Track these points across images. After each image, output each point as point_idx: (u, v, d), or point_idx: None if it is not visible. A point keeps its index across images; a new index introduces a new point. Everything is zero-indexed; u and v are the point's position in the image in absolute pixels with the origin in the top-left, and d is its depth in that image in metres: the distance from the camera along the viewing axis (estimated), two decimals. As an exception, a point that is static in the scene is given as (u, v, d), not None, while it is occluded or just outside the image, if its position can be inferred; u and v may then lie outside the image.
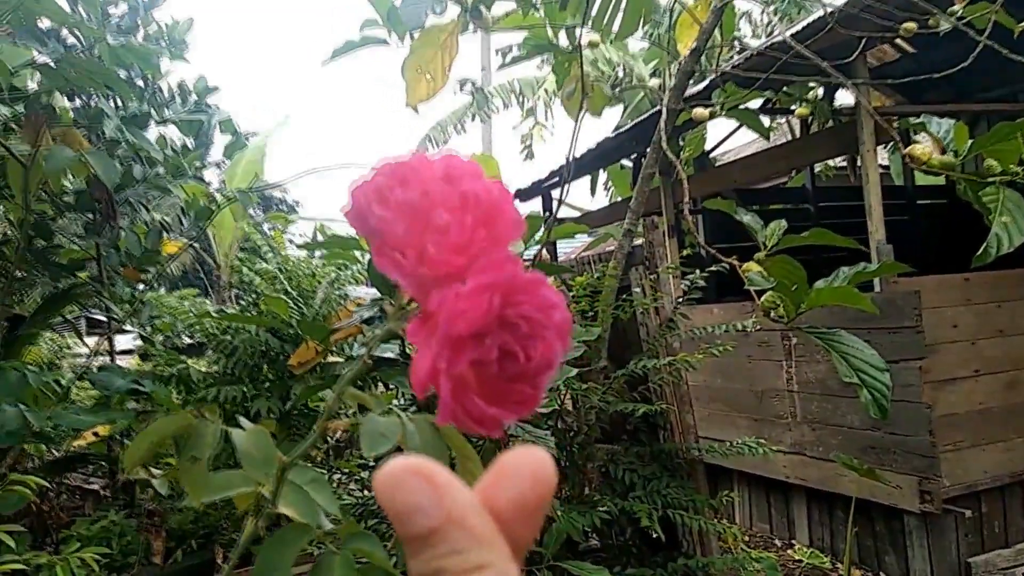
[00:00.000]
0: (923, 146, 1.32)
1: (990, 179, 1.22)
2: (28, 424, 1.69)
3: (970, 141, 1.37)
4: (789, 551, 3.90)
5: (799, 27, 3.02)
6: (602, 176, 8.30)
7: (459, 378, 0.30)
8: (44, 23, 2.71)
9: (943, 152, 1.46)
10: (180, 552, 3.00)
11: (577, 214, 7.36)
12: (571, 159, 2.10)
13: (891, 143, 6.08)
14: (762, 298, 1.31)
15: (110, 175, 1.93)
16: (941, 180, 6.23)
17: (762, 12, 8.31)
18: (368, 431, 0.51)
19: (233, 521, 3.18)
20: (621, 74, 6.47)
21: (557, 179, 6.19)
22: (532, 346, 0.31)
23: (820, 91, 4.90)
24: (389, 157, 0.34)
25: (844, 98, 5.41)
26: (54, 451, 3.54)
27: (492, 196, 0.32)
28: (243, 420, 0.53)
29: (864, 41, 2.33)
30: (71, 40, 3.00)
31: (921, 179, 6.14)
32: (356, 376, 0.48)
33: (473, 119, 9.88)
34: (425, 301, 0.31)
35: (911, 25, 2.02)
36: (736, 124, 6.28)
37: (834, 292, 1.19)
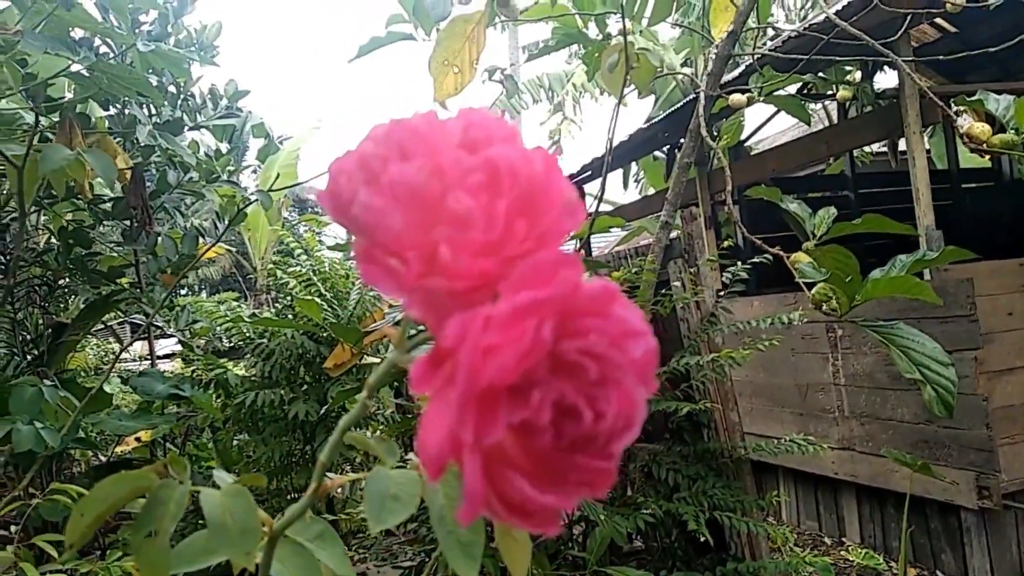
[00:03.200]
0: (983, 124, 1.24)
1: (1059, 157, 1.14)
2: (44, 442, 1.67)
3: (1033, 118, 1.28)
4: (840, 550, 3.79)
5: (840, 6, 2.92)
6: (633, 168, 8.20)
7: (493, 451, 0.20)
8: (76, 32, 2.73)
9: (997, 131, 1.37)
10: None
11: (610, 208, 7.28)
12: (611, 143, 2.03)
13: (930, 127, 5.89)
14: (813, 290, 1.25)
15: (109, 174, 1.91)
16: (987, 163, 6.02)
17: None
18: (375, 494, 0.37)
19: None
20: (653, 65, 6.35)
21: (590, 173, 6.11)
22: (603, 398, 0.21)
23: (858, 75, 4.76)
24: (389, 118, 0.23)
25: (883, 81, 5.25)
26: (100, 456, 3.59)
27: (534, 170, 0.22)
28: (219, 475, 0.40)
29: (908, 18, 2.23)
30: (103, 49, 3.02)
31: (965, 162, 5.95)
32: (355, 420, 0.36)
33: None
34: (438, 330, 0.21)
35: (960, -1, 1.93)
36: (772, 112, 6.15)
37: (892, 283, 1.12)
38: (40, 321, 3.22)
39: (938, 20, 4.94)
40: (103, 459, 3.45)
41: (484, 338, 0.19)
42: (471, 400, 0.19)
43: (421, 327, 0.29)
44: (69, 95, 2.73)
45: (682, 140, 2.28)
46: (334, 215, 0.23)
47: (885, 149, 6.39)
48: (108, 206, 2.99)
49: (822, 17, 2.53)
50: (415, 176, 0.21)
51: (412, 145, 0.22)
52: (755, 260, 2.26)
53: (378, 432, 2.99)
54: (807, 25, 3.18)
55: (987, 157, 5.77)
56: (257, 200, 2.51)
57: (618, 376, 0.21)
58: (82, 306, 3.23)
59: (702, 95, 2.13)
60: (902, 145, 3.94)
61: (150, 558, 0.37)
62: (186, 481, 0.38)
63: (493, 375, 0.19)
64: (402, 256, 0.21)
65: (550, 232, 0.22)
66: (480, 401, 0.19)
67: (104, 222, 3.10)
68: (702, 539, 2.00)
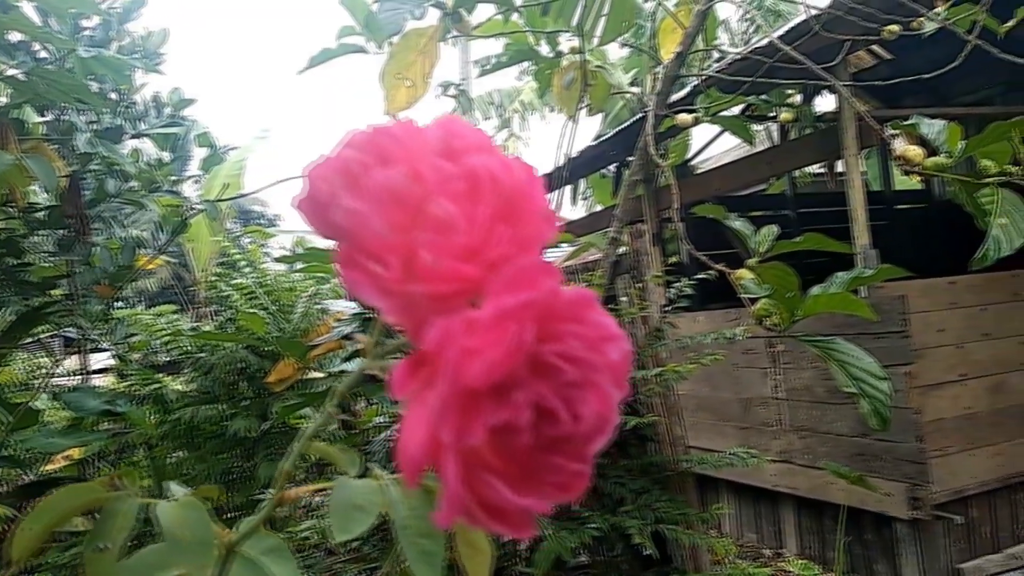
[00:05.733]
0: (917, 148, 1.29)
1: (987, 180, 1.19)
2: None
3: (963, 142, 1.34)
4: (779, 561, 3.86)
5: (782, 31, 3.02)
6: (581, 185, 8.29)
7: (471, 454, 0.20)
8: (13, 36, 2.64)
9: (930, 154, 1.43)
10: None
11: (558, 223, 7.33)
12: (568, 160, 2.05)
13: (867, 149, 6.13)
14: (755, 306, 1.27)
15: (51, 181, 1.85)
16: (919, 184, 6.28)
17: (739, 20, 8.37)
18: (339, 504, 0.37)
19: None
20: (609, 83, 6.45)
21: (539, 189, 6.15)
22: (581, 400, 0.21)
23: (799, 98, 4.92)
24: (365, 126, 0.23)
25: (823, 105, 5.44)
26: (26, 475, 3.43)
27: (514, 178, 0.22)
28: (174, 487, 0.40)
29: (847, 45, 2.31)
30: (43, 53, 2.93)
31: (899, 184, 6.19)
32: (320, 428, 0.36)
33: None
34: (418, 333, 0.21)
35: (894, 28, 2.01)
36: (716, 132, 6.30)
37: (831, 299, 1.15)
38: (-35, 333, 3.07)
39: (875, 48, 5.15)
40: (30, 478, 3.30)
41: (467, 340, 0.20)
42: (453, 401, 0.20)
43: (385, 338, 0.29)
44: (3, 100, 2.64)
45: (630, 158, 2.32)
46: (312, 220, 0.23)
47: (824, 170, 6.61)
48: (42, 215, 2.89)
49: (765, 41, 2.61)
50: (397, 181, 0.22)
51: (393, 151, 0.22)
52: (700, 276, 2.31)
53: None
54: (751, 49, 3.28)
55: (919, 179, 6.02)
56: (203, 210, 2.44)
57: (594, 379, 0.22)
58: (11, 318, 3.10)
59: (650, 114, 2.18)
60: (840, 167, 4.08)
61: (101, 572, 0.36)
62: (135, 495, 0.37)
63: (476, 376, 0.20)
64: (383, 260, 0.22)
65: (530, 239, 0.23)
66: (461, 402, 0.20)
67: (37, 231, 2.99)
68: (646, 552, 2.02)
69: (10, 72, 2.26)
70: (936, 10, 1.93)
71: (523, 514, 0.21)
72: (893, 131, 1.46)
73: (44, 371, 5.28)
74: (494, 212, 0.22)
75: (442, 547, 0.36)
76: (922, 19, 1.89)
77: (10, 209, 2.72)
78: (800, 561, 3.77)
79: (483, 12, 2.30)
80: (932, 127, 1.28)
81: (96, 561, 0.35)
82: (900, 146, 1.35)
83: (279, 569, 0.38)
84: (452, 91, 2.18)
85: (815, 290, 1.20)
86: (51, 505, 0.38)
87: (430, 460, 0.20)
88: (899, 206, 6.15)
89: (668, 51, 2.26)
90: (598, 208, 7.68)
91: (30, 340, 3.45)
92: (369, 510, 0.38)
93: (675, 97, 3.66)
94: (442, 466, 0.20)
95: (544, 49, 2.52)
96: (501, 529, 0.22)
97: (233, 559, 0.37)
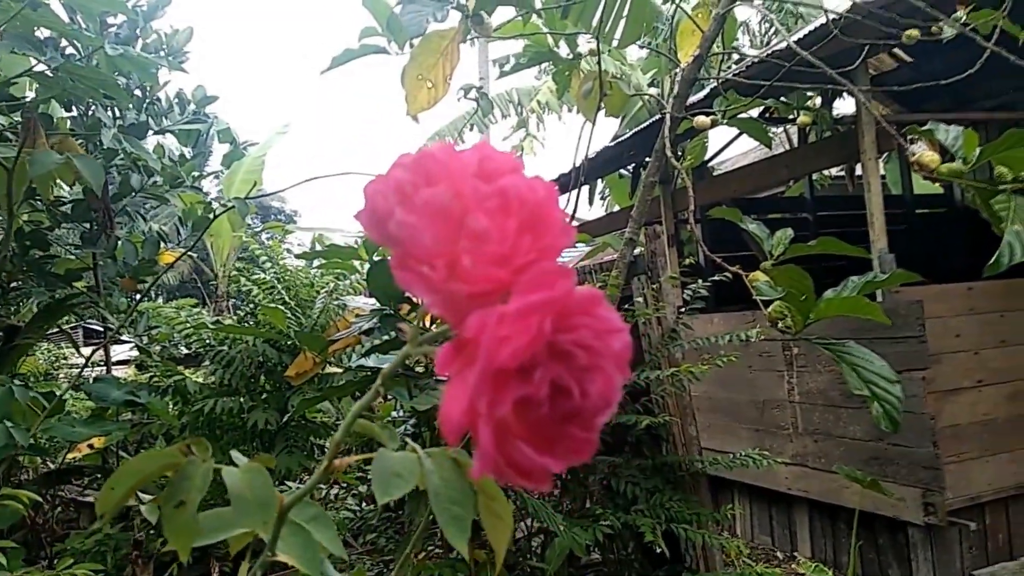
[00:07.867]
0: (932, 153, 1.30)
1: (1002, 187, 1.20)
2: (13, 441, 1.65)
3: (979, 148, 1.35)
4: (791, 564, 3.86)
5: (801, 35, 3.01)
6: (598, 185, 8.29)
7: (501, 422, 0.25)
8: (42, 32, 2.69)
9: (946, 160, 1.44)
10: (176, 567, 2.95)
11: (575, 224, 7.34)
12: (585, 162, 2.07)
13: (885, 153, 6.10)
14: (769, 308, 1.29)
15: (97, 180, 1.89)
16: (939, 189, 6.23)
17: (760, 22, 8.34)
18: (381, 471, 0.43)
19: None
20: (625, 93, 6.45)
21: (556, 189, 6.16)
22: (589, 380, 0.26)
23: (818, 100, 4.90)
24: (411, 150, 0.28)
25: (843, 107, 5.41)
26: (48, 463, 3.50)
27: (537, 196, 0.27)
28: (236, 455, 0.45)
29: (866, 49, 2.32)
30: (70, 50, 2.98)
31: (919, 188, 6.15)
32: (367, 406, 0.41)
33: (471, 129, 9.86)
34: (459, 324, 0.26)
35: (914, 32, 2.01)
36: (734, 134, 6.28)
37: (844, 302, 1.17)
38: (-9, 323, 3.13)
39: (897, 50, 5.12)
40: (52, 466, 3.36)
41: (499, 330, 0.24)
42: (487, 378, 0.24)
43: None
44: (30, 95, 2.69)
45: (647, 159, 2.33)
46: (370, 230, 0.28)
47: (843, 173, 6.57)
48: (67, 208, 2.94)
49: (784, 45, 2.62)
50: (441, 198, 0.26)
51: (437, 172, 0.27)
52: (715, 278, 2.32)
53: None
54: (770, 52, 3.28)
55: (938, 184, 5.97)
56: (232, 208, 2.49)
57: (601, 363, 0.26)
58: (36, 309, 3.16)
59: (668, 116, 2.19)
60: (859, 170, 4.07)
61: (178, 526, 0.41)
62: (209, 460, 0.41)
63: (506, 358, 0.24)
64: (431, 264, 0.26)
65: (550, 247, 0.27)
66: (494, 380, 0.25)
67: (62, 224, 3.04)
68: (658, 551, 2.03)
69: (39, 68, 2.31)
70: (957, 14, 1.93)
71: (542, 471, 0.26)
72: (911, 136, 1.47)
73: (67, 361, 5.36)
74: (520, 225, 0.26)
75: (471, 512, 0.40)
76: (942, 24, 1.89)
77: (35, 202, 2.78)
78: (812, 564, 3.77)
79: (503, 13, 2.32)
80: (948, 133, 1.29)
81: (175, 515, 0.39)
82: (916, 151, 1.35)
83: (321, 536, 0.42)
84: (473, 94, 2.21)
85: (828, 293, 1.21)
86: (133, 468, 0.42)
87: (468, 426, 0.25)
88: (919, 210, 6.11)
89: (686, 53, 2.28)
90: (615, 208, 7.69)
91: (54, 331, 3.52)
92: (407, 478, 0.43)
93: (693, 99, 3.66)
94: (477, 431, 0.25)
95: (563, 51, 2.54)
96: (524, 483, 0.26)
97: (283, 524, 0.41)
